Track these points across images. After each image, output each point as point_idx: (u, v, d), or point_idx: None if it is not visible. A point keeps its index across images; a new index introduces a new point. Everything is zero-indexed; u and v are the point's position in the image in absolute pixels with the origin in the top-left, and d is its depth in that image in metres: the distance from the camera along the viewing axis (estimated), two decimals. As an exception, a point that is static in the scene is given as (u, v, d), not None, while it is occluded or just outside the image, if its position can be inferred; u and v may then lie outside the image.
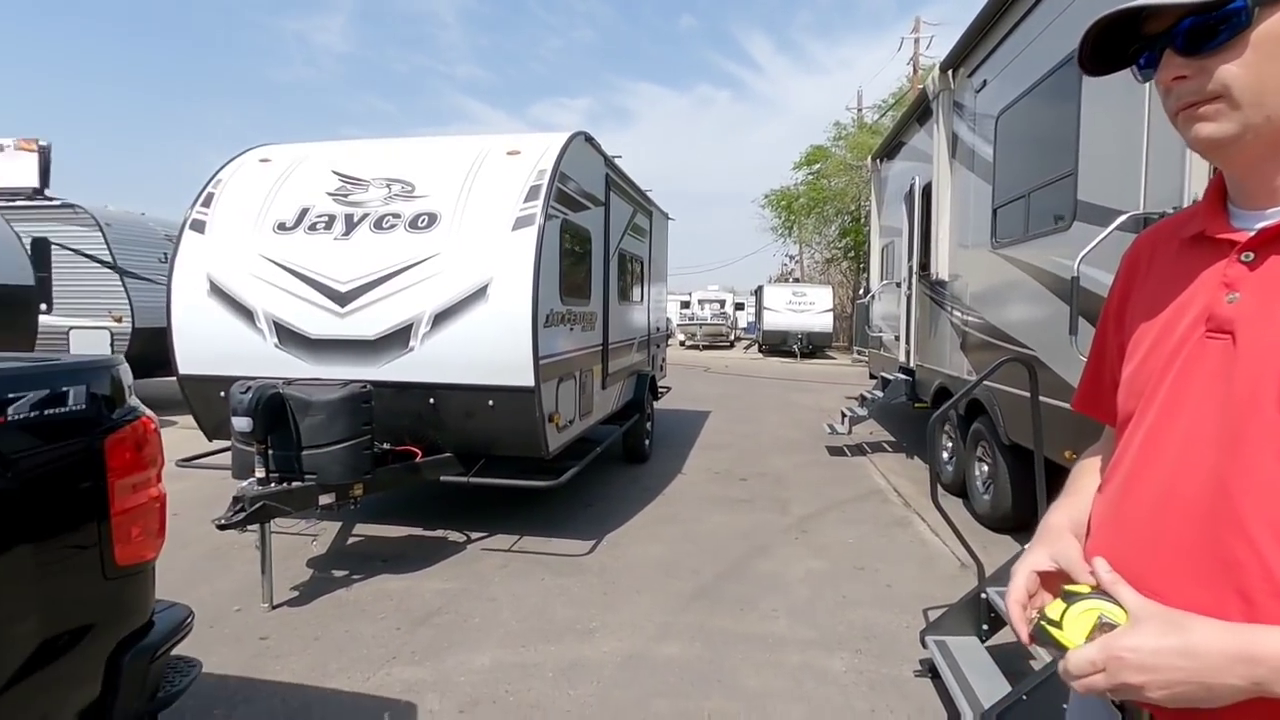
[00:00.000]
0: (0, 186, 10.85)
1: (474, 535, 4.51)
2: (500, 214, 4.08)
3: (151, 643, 1.60)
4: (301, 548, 4.20)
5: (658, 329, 8.16)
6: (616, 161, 5.81)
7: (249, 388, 3.37)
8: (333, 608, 3.45)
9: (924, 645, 2.88)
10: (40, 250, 8.91)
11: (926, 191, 6.26)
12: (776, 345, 22.98)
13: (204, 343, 4.17)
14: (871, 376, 9.48)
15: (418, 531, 4.58)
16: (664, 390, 8.44)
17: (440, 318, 3.96)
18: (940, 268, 5.79)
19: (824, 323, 22.91)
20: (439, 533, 4.55)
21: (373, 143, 4.85)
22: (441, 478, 4.20)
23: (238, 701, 2.61)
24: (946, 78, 5.58)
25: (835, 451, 7.52)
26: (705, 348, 26.16)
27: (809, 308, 22.93)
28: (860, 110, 27.20)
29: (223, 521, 3.22)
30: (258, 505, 3.27)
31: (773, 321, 22.95)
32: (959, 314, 5.41)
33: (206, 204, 4.42)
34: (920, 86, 7.50)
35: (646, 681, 2.82)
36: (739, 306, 35.35)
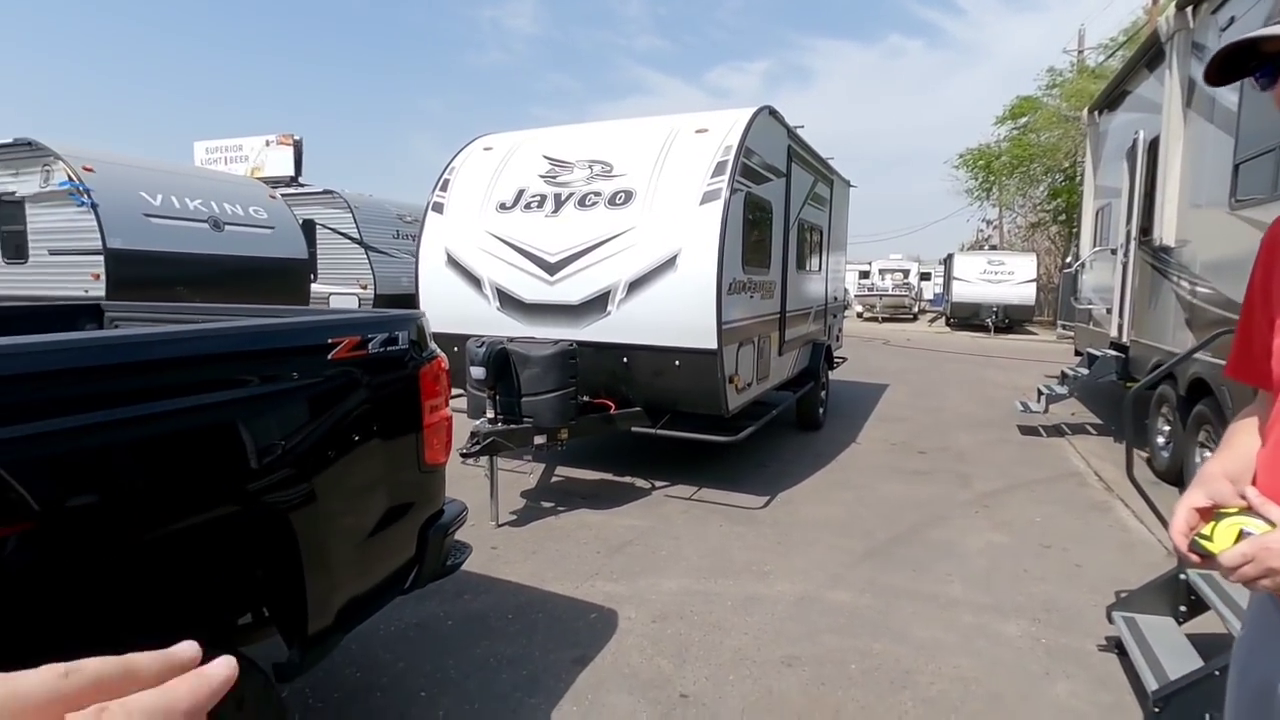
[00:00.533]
0: (266, 175, 13.31)
1: (658, 483, 4.99)
2: (689, 189, 4.41)
3: (444, 523, 2.17)
4: (516, 483, 4.93)
5: (835, 299, 8.10)
6: (798, 132, 5.89)
7: (483, 343, 4.06)
8: (544, 531, 4.08)
9: (1110, 621, 2.83)
10: (309, 230, 10.80)
11: (1153, 146, 5.60)
12: (966, 319, 21.29)
13: (443, 305, 4.99)
14: (1077, 353, 8.65)
15: (609, 476, 5.16)
16: (840, 361, 8.40)
17: (634, 285, 4.40)
18: (1165, 232, 5.20)
19: (1024, 294, 20.77)
20: (627, 479, 5.10)
21: (577, 128, 5.39)
22: (632, 428, 4.69)
23: (480, 591, 3.28)
24: (1185, 16, 4.93)
25: (1028, 431, 7.06)
26: (885, 320, 24.92)
27: (1007, 278, 20.89)
28: (1081, 52, 23.86)
29: (464, 451, 3.94)
30: (489, 440, 3.96)
31: (963, 293, 21.24)
32: (1186, 284, 4.86)
33: (444, 189, 5.24)
34: (1158, 19, 6.61)
35: (817, 620, 3.07)
36: (925, 277, 33.04)
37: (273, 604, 1.79)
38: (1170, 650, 2.50)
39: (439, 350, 2.17)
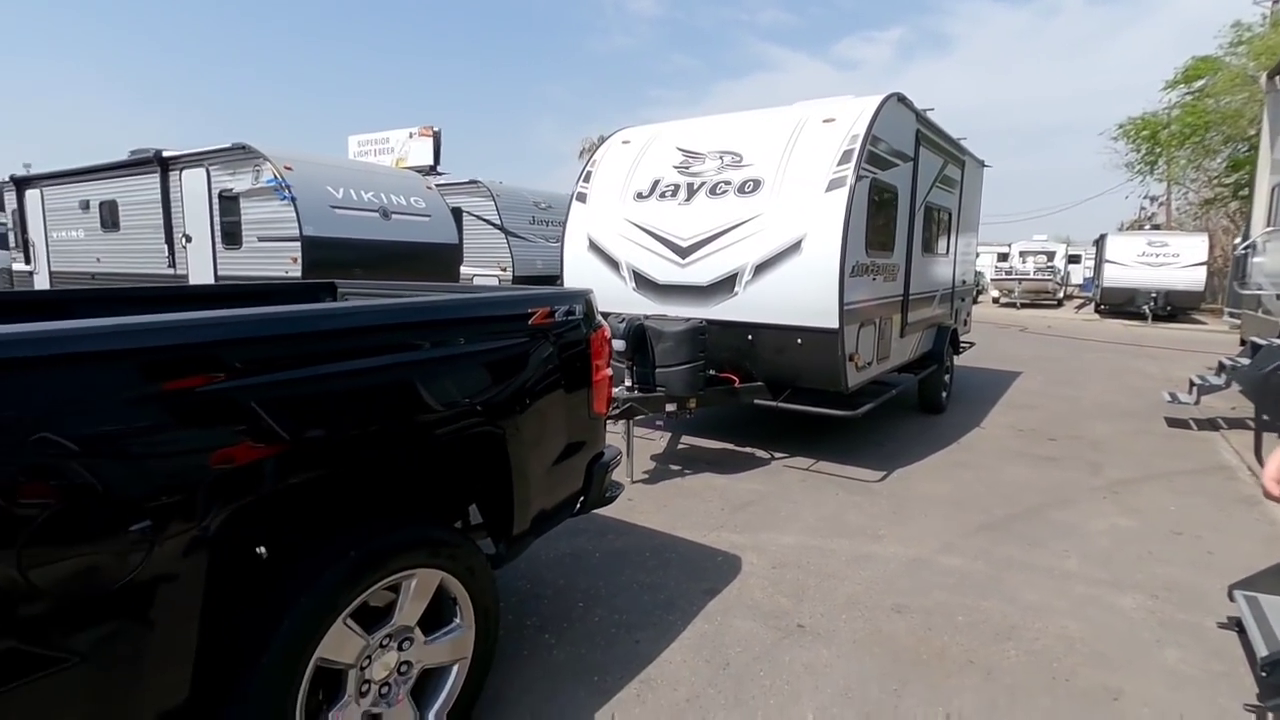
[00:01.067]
0: (410, 165, 14.59)
1: (777, 454, 5.32)
2: (815, 177, 4.66)
3: (605, 461, 2.66)
4: (648, 447, 5.43)
5: (963, 282, 7.96)
6: (928, 114, 5.90)
7: (624, 319, 4.57)
8: (674, 489, 4.55)
9: (1231, 599, 2.87)
10: (457, 217, 11.89)
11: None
12: (1120, 305, 19.50)
13: (585, 286, 5.55)
14: (1241, 343, 7.95)
15: (731, 446, 5.55)
16: (967, 345, 8.25)
17: (760, 268, 4.73)
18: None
19: (1191, 279, 18.74)
20: (748, 449, 5.46)
21: (708, 119, 5.75)
22: (755, 401, 5.04)
23: (620, 533, 3.79)
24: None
25: (1176, 423, 6.67)
26: (1024, 306, 23.32)
27: (1170, 260, 18.94)
28: (1276, 2, 20.90)
29: (606, 414, 4.46)
30: (627, 405, 4.46)
31: (1116, 277, 19.47)
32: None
33: (586, 180, 5.79)
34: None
35: (928, 578, 3.32)
36: (1073, 259, 30.45)
37: (484, 510, 2.36)
38: (1291, 628, 2.56)
39: (603, 322, 2.65)
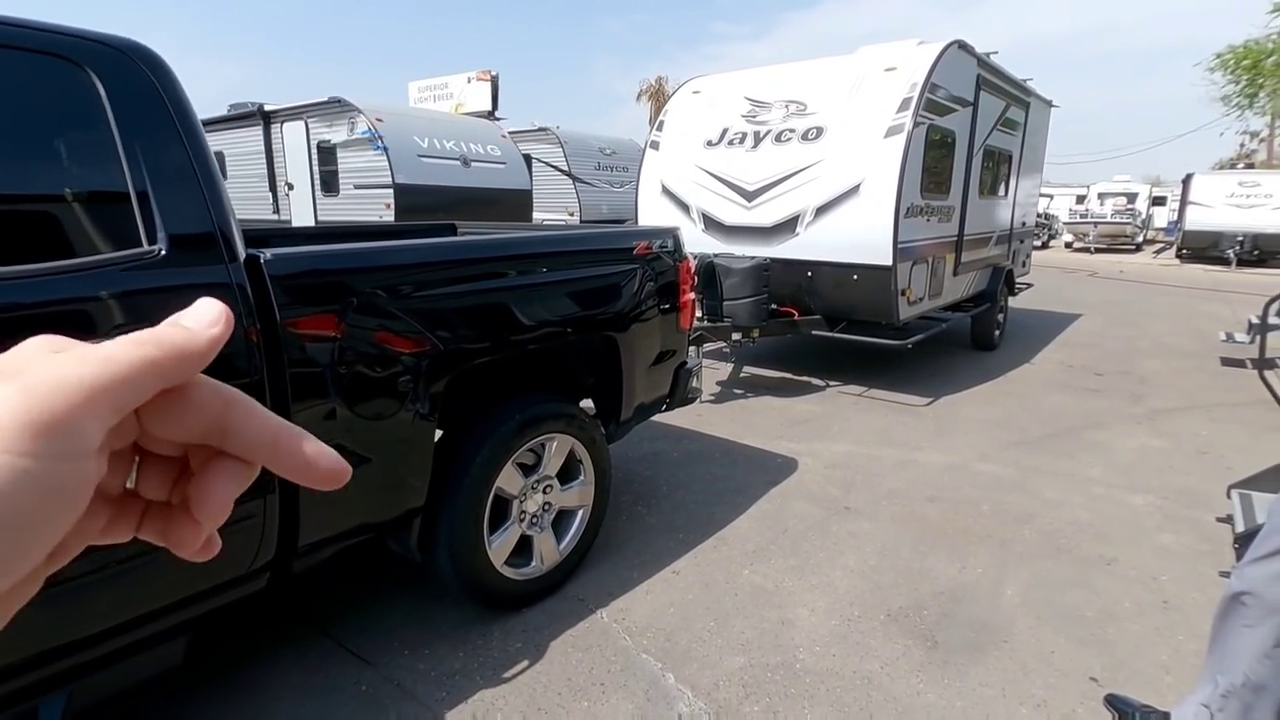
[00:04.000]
0: (469, 111, 15.01)
1: (831, 382, 5.84)
2: (874, 124, 5.02)
3: (690, 368, 3.28)
4: (713, 374, 6.03)
5: (1023, 224, 8.11)
6: (991, 58, 6.07)
7: (695, 255, 5.10)
8: (737, 408, 5.16)
9: (1228, 497, 3.32)
10: (528, 163, 12.46)
11: None
12: (1203, 250, 18.64)
13: (657, 228, 6.10)
14: (1313, 284, 7.88)
15: (788, 375, 6.09)
16: (1023, 286, 8.44)
17: (821, 210, 5.17)
18: None
19: (1282, 221, 17.76)
20: (804, 377, 6.00)
21: (774, 69, 6.08)
22: (813, 332, 5.56)
23: (694, 440, 4.44)
24: None
25: (1231, 363, 6.83)
26: (1099, 251, 22.48)
27: (1262, 202, 17.93)
28: None
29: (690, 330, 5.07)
30: (698, 333, 5.06)
31: (1200, 220, 18.58)
32: None
33: (660, 129, 6.26)
34: None
35: (962, 479, 3.86)
36: (1158, 202, 28.88)
37: (597, 401, 3.02)
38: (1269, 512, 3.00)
39: (688, 253, 3.23)
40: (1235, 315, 9.71)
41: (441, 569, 2.30)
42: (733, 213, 5.64)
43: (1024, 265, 8.50)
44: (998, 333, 7.29)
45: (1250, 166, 24.48)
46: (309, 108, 9.57)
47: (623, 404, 2.88)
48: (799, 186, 5.28)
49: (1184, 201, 19.98)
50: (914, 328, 5.58)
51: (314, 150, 9.66)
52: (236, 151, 10.87)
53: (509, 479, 2.41)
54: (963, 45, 5.41)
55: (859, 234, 5.03)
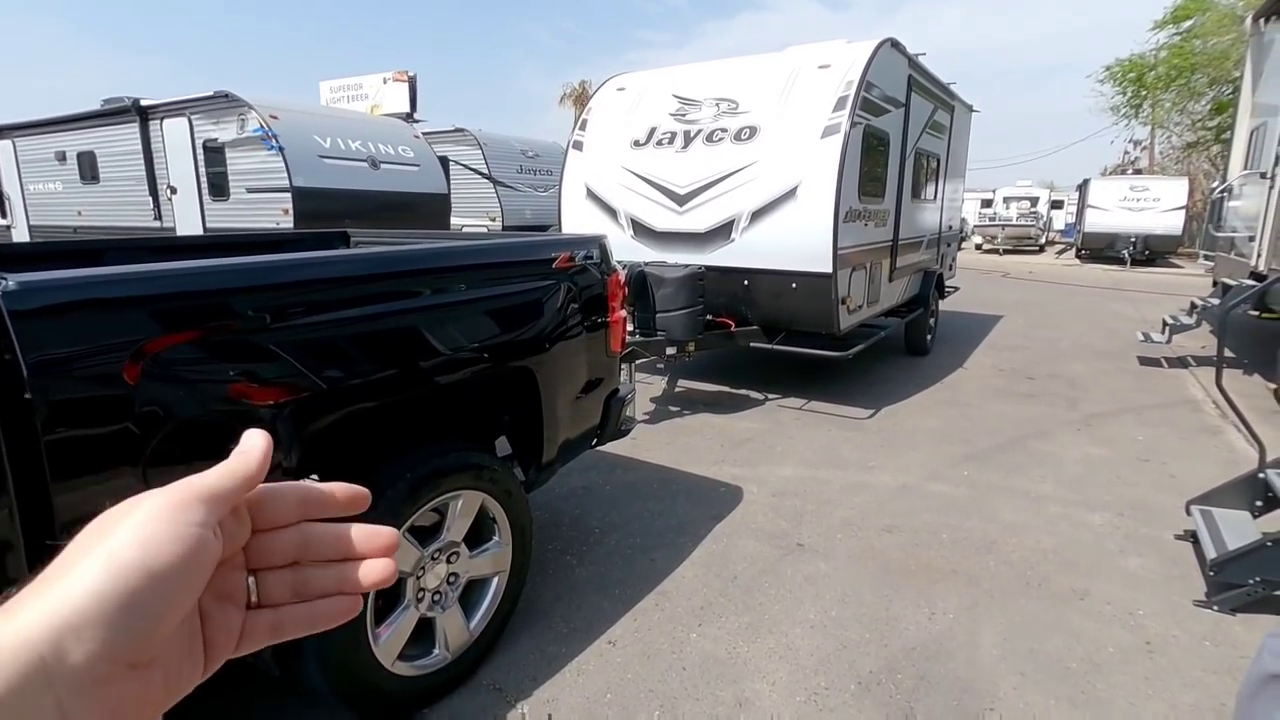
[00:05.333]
0: (385, 112, 14.25)
1: (770, 395, 5.55)
2: (810, 124, 4.76)
3: (621, 397, 2.85)
4: (646, 390, 5.64)
5: (950, 228, 8.13)
6: (920, 60, 5.96)
7: (624, 265, 4.69)
8: (675, 428, 4.78)
9: (1189, 514, 3.17)
10: (444, 166, 11.77)
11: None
12: (1100, 250, 19.81)
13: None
14: (1214, 284, 8.25)
15: (727, 388, 5.77)
16: (951, 290, 8.47)
17: (757, 214, 4.86)
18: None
19: (1169, 223, 19.04)
20: (743, 391, 5.69)
21: (705, 65, 5.76)
22: (751, 344, 5.24)
23: (629, 469, 4.02)
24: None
25: (1149, 362, 6.99)
26: (1007, 252, 23.57)
27: (1151, 205, 19.19)
28: (1269, -61, 20.62)
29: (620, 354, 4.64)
30: (628, 349, 4.64)
31: (1098, 222, 19.72)
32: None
33: (583, 128, 5.82)
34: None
35: (915, 503, 3.60)
36: (1056, 205, 30.68)
37: (514, 440, 2.55)
38: (1238, 535, 2.85)
39: (617, 266, 2.80)
40: (1141, 314, 10.14)
41: (310, 680, 1.78)
42: (663, 218, 5.26)
43: (951, 268, 8.54)
44: (930, 337, 7.23)
45: (1138, 172, 26.27)
46: (193, 103, 8.61)
47: (544, 444, 2.42)
48: (733, 189, 4.96)
49: (1082, 205, 21.17)
50: (854, 336, 5.36)
51: (199, 150, 8.70)
52: (110, 151, 9.72)
53: (400, 554, 1.91)
54: (895, 44, 5.24)
55: (797, 239, 4.75)
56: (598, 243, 2.70)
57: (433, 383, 2.01)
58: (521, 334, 2.23)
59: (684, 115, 5.35)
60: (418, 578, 2.01)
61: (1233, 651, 2.38)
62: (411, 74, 15.44)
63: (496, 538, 2.27)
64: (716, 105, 5.23)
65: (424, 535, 2.04)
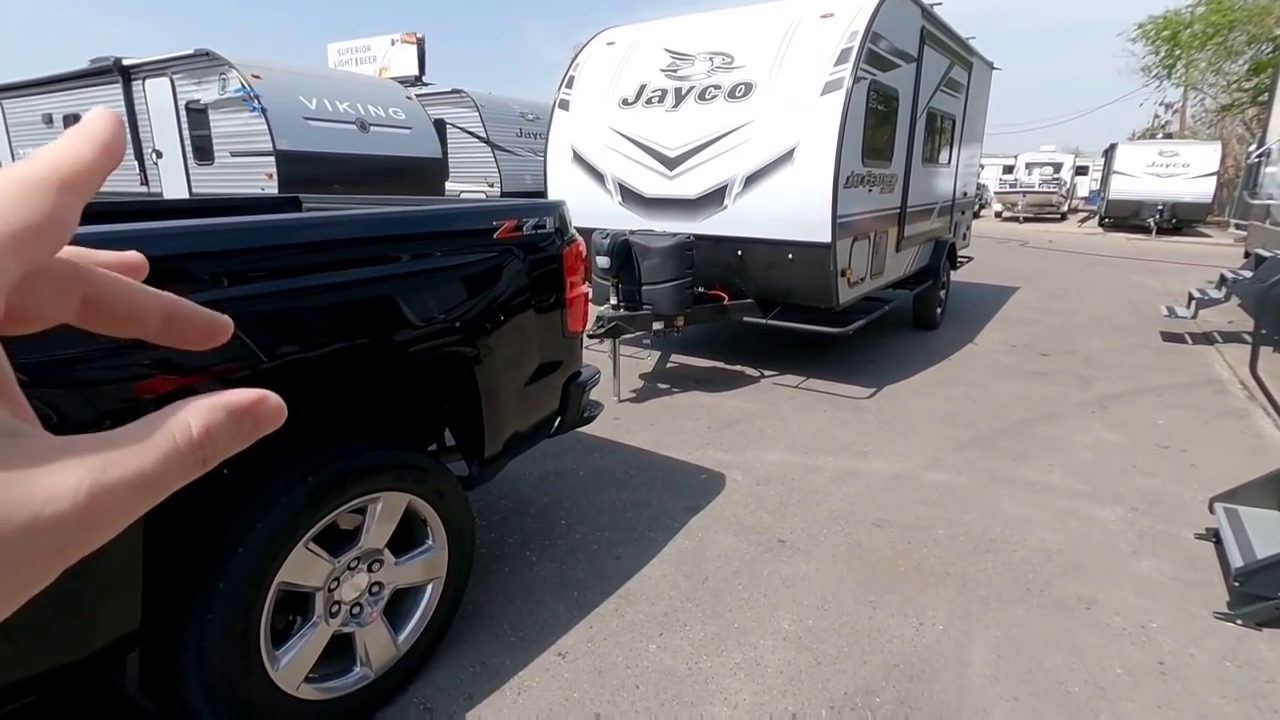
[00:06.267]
0: (393, 75, 13.86)
1: (766, 372, 5.27)
2: (810, 79, 4.38)
3: (583, 381, 2.59)
4: (635, 366, 5.38)
5: (964, 195, 7.70)
6: (935, 10, 5.51)
7: (607, 234, 4.39)
8: (661, 408, 4.52)
9: (1212, 512, 2.89)
10: (440, 130, 11.38)
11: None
12: (1125, 218, 19.06)
13: (569, 200, 5.30)
14: (1246, 255, 7.80)
15: (720, 364, 5.49)
16: (964, 260, 8.08)
17: (751, 179, 4.52)
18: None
19: (1199, 190, 18.24)
20: (737, 367, 5.41)
21: (698, 17, 5.35)
22: (744, 319, 4.95)
23: (606, 451, 3.78)
24: None
25: (1171, 338, 6.61)
26: (1027, 220, 22.84)
27: (1180, 171, 18.38)
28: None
29: (589, 334, 4.37)
30: (612, 324, 4.37)
31: (1124, 189, 18.93)
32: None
33: (569, 85, 5.46)
34: None
35: (911, 494, 3.33)
36: (1081, 171, 29.63)
37: (456, 432, 2.30)
38: (1267, 538, 2.57)
39: (577, 235, 2.51)
40: (1165, 286, 9.68)
41: (196, 709, 1.57)
42: (653, 183, 4.93)
43: (964, 238, 8.13)
44: (940, 310, 6.87)
45: (1169, 137, 25.23)
46: (173, 62, 8.28)
47: (486, 437, 2.17)
48: (726, 152, 4.62)
49: (1108, 171, 20.36)
50: (856, 310, 5.04)
51: (182, 112, 8.40)
52: (95, 113, 9.41)
53: (302, 567, 1.69)
54: (906, -10, 4.81)
55: (794, 207, 4.42)
56: (555, 210, 2.40)
57: (346, 371, 1.76)
58: (453, 315, 1.96)
59: (675, 71, 4.97)
60: (330, 590, 1.79)
61: (1257, 675, 2.12)
62: (420, 35, 14.98)
63: (429, 542, 2.03)
64: (710, 60, 4.84)
65: (338, 546, 1.81)
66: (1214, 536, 2.90)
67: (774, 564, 2.71)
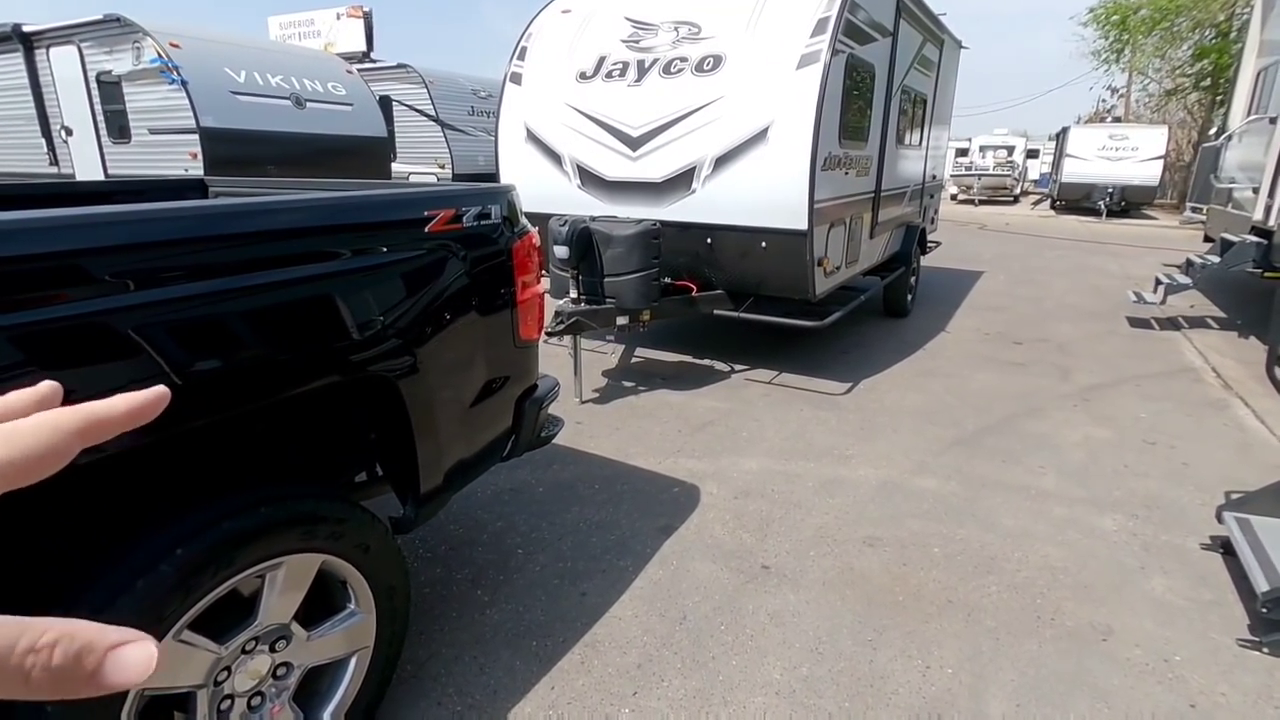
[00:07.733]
0: (340, 51, 13.06)
1: (737, 367, 4.97)
2: (785, 51, 4.04)
3: (539, 396, 2.22)
4: (598, 362, 5.02)
5: (933, 177, 7.51)
6: (910, -19, 5.22)
7: (565, 221, 4.00)
8: (627, 409, 4.18)
9: (1220, 521, 2.69)
10: (385, 107, 10.70)
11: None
12: (1076, 201, 19.38)
13: (523, 183, 4.84)
14: (1207, 239, 7.82)
15: (689, 359, 5.17)
16: (933, 245, 7.91)
17: (721, 161, 4.17)
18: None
19: (1146, 173, 18.63)
20: (707, 361, 5.10)
21: (661, -16, 4.94)
22: (715, 312, 4.62)
23: (568, 462, 3.43)
24: None
25: (1139, 324, 6.55)
26: (982, 203, 23.10)
27: (1129, 154, 18.72)
28: None
29: (548, 330, 3.99)
30: (573, 320, 3.99)
31: (1075, 171, 19.21)
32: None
33: (521, 57, 5.00)
34: None
35: (900, 504, 3.07)
36: (1031, 155, 30.14)
37: (386, 465, 1.92)
38: (1288, 553, 2.38)
39: (530, 227, 2.13)
40: (1124, 270, 9.74)
41: None
42: (615, 164, 4.54)
43: (933, 222, 7.95)
44: (910, 298, 6.69)
45: (1116, 120, 25.76)
46: (81, 28, 7.48)
47: (420, 471, 1.79)
48: (694, 131, 4.26)
49: (1060, 154, 20.64)
50: (830, 301, 4.77)
51: (93, 84, 7.61)
52: (-6, 85, 8.52)
53: (172, 665, 1.30)
54: (883, -42, 4.50)
55: (768, 190, 4.09)
56: (502, 196, 2.01)
57: (232, 405, 1.36)
58: (372, 329, 1.57)
59: (638, 42, 4.57)
60: (218, 684, 1.40)
61: (1298, 717, 1.91)
62: (366, 9, 14.11)
63: (351, 606, 1.66)
64: (675, 30, 4.46)
65: (229, 625, 1.42)
66: (1222, 546, 2.72)
67: (759, 596, 2.41)
